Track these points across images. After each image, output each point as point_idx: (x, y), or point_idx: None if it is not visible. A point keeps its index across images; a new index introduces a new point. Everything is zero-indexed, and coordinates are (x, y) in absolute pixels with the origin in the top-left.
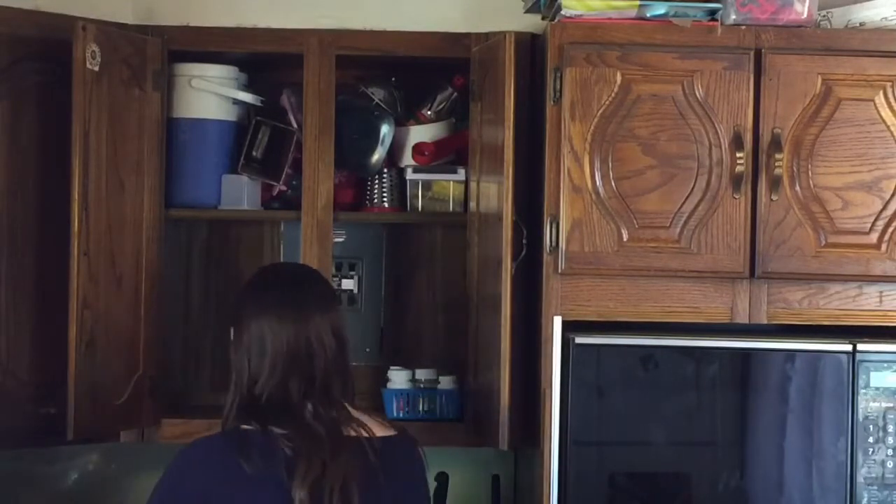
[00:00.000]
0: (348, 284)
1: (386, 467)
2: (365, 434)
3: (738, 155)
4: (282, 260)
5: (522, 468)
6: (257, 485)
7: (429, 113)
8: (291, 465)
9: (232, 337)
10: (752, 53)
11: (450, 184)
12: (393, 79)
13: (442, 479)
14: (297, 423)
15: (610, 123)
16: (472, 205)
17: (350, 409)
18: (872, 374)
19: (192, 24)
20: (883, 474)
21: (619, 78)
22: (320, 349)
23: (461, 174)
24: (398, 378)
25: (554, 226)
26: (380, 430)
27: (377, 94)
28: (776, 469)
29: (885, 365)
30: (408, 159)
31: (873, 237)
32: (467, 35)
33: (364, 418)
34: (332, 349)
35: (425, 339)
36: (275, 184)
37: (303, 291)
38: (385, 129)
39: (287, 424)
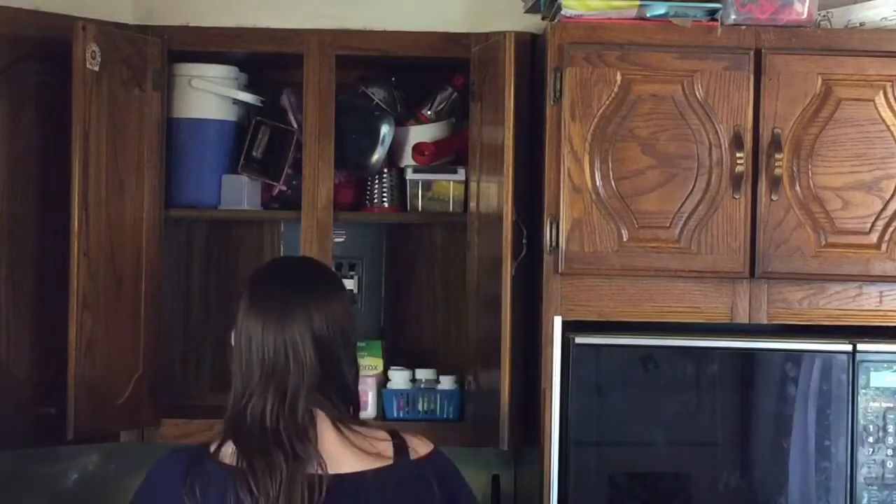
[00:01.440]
0: (348, 284)
1: None
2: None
3: (738, 155)
4: None
5: (522, 468)
6: None
7: (429, 113)
8: None
9: (231, 342)
10: (752, 53)
11: (450, 184)
12: (393, 79)
13: None
14: (265, 455)
15: (610, 123)
16: (472, 205)
17: (324, 432)
18: (872, 374)
19: (191, 24)
20: (883, 474)
21: (619, 78)
22: (296, 357)
23: (461, 174)
24: (398, 378)
25: (554, 226)
26: (348, 463)
27: (377, 94)
28: (776, 469)
29: (885, 365)
30: (408, 159)
31: (873, 237)
32: (467, 35)
33: (334, 450)
34: (311, 359)
35: (425, 339)
36: (275, 184)
37: (292, 288)
38: (385, 129)
39: (256, 452)
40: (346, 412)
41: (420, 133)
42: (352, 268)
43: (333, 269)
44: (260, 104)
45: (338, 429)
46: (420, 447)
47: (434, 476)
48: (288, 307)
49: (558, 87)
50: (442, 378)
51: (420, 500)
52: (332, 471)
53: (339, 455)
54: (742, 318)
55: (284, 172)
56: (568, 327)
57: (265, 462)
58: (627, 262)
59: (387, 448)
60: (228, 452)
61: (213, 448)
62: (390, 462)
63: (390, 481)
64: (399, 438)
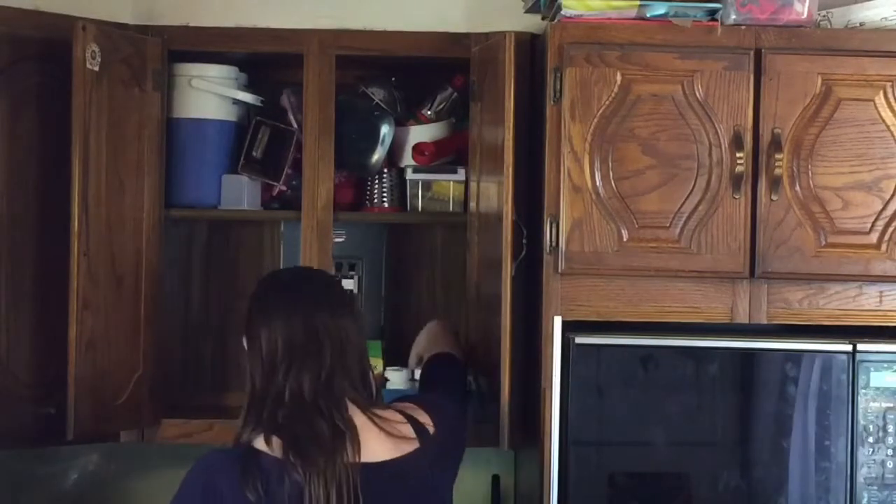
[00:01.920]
0: (348, 284)
1: (371, 498)
2: (352, 459)
3: (738, 155)
4: (281, 260)
5: (522, 468)
6: None
7: (429, 113)
8: (301, 494)
9: (245, 345)
10: (752, 53)
11: (450, 184)
12: (393, 79)
13: None
14: (310, 429)
15: (610, 123)
16: (472, 205)
17: (356, 412)
18: (872, 374)
19: (192, 24)
20: (883, 474)
21: (619, 78)
22: (327, 341)
23: (461, 174)
24: (398, 378)
25: (554, 226)
26: (381, 449)
27: (377, 94)
28: (776, 469)
29: (885, 365)
30: (408, 159)
31: (873, 237)
32: (467, 35)
33: (365, 430)
34: (339, 341)
35: None
36: (275, 184)
37: (310, 289)
38: (385, 129)
39: (301, 431)
40: (369, 398)
41: (420, 133)
42: (352, 268)
43: (333, 268)
44: (260, 104)
45: (366, 415)
46: (425, 419)
47: (445, 437)
48: (313, 299)
49: (558, 87)
50: None
51: (450, 467)
52: (369, 459)
53: (371, 440)
54: (742, 318)
55: (284, 172)
56: (568, 327)
57: (310, 432)
58: (627, 262)
59: (409, 430)
60: (276, 445)
61: (258, 445)
62: (417, 445)
63: (424, 464)
64: (412, 419)
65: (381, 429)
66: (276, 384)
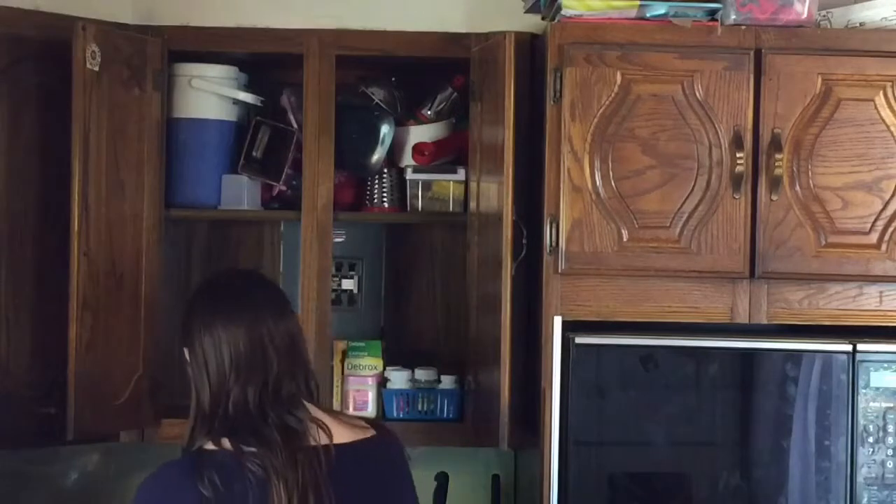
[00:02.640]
0: (348, 284)
1: (344, 477)
2: (324, 441)
3: (738, 155)
4: (281, 260)
5: (522, 468)
6: None
7: (429, 113)
8: (264, 487)
9: (188, 357)
10: (752, 53)
11: (450, 184)
12: (393, 79)
13: (442, 478)
14: (257, 435)
15: (610, 123)
16: (472, 205)
17: (311, 408)
18: (872, 374)
19: (192, 24)
20: (883, 474)
21: (619, 78)
22: (272, 348)
23: (461, 174)
24: (398, 378)
25: (554, 226)
26: (344, 434)
27: (377, 94)
28: (776, 469)
29: (885, 365)
30: (408, 159)
31: (873, 237)
32: (467, 35)
33: (327, 419)
34: (284, 346)
35: (425, 339)
36: (275, 184)
37: (250, 293)
38: (385, 129)
39: (248, 436)
40: (310, 396)
41: (420, 133)
42: (352, 268)
43: (333, 268)
44: (260, 104)
45: (322, 409)
46: (380, 424)
47: (400, 445)
48: (255, 306)
49: (558, 87)
50: (442, 378)
51: (402, 465)
52: (335, 441)
53: (332, 426)
54: (742, 318)
55: (284, 172)
56: (568, 327)
57: (259, 441)
58: (627, 261)
59: (363, 423)
60: (226, 443)
61: (209, 446)
62: (373, 433)
63: (380, 448)
64: (362, 418)
65: (339, 419)
66: (223, 397)
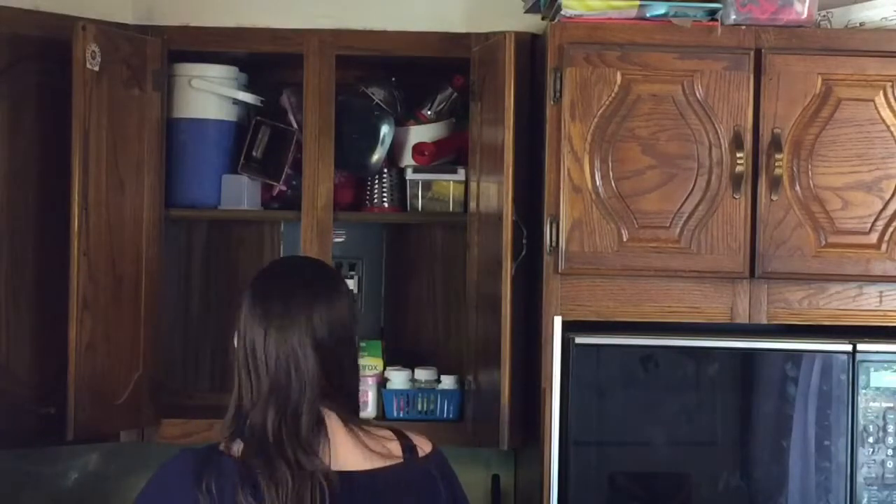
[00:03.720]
0: (348, 284)
1: None
2: (334, 468)
3: (738, 155)
4: None
5: (522, 468)
6: None
7: (429, 113)
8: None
9: (234, 342)
10: (752, 53)
11: (450, 184)
12: (393, 79)
13: None
14: (269, 466)
15: (610, 123)
16: (472, 205)
17: (336, 428)
18: (872, 374)
19: (192, 24)
20: (883, 474)
21: (619, 78)
22: (297, 371)
23: (461, 174)
24: (398, 378)
25: (554, 226)
26: (361, 462)
27: (377, 94)
28: (776, 469)
29: (885, 365)
30: (408, 159)
31: (873, 237)
32: (467, 35)
33: (348, 445)
34: (313, 370)
35: (425, 339)
36: (275, 184)
37: (292, 294)
38: (385, 129)
39: (260, 460)
40: (352, 415)
41: (420, 133)
42: (352, 268)
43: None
44: (260, 104)
45: (349, 428)
46: (424, 445)
47: (438, 472)
48: (289, 312)
49: (558, 87)
50: (442, 378)
51: (429, 497)
52: (340, 468)
53: (349, 454)
54: (742, 318)
55: (284, 172)
56: (568, 327)
57: (269, 472)
58: (627, 262)
59: (396, 448)
60: (239, 449)
61: (222, 446)
62: (401, 461)
63: (402, 479)
64: (405, 438)
65: (360, 440)
66: (248, 403)
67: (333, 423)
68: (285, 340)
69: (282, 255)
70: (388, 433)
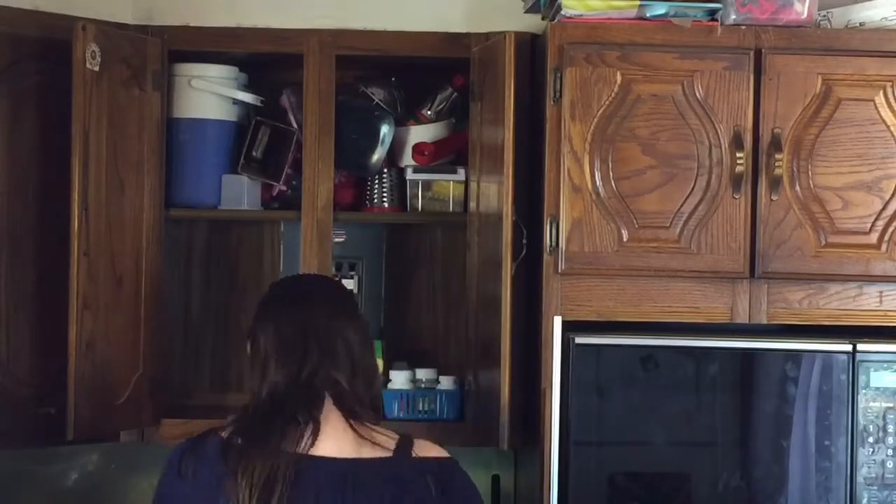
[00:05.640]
0: (348, 284)
1: (324, 492)
2: (309, 451)
3: (738, 155)
4: (281, 260)
5: (522, 468)
6: (190, 495)
7: (429, 113)
8: (228, 479)
9: (248, 350)
10: (752, 53)
11: (450, 184)
12: (393, 79)
13: None
14: (248, 442)
15: (610, 123)
16: (472, 205)
17: (334, 415)
18: (872, 374)
19: (192, 24)
20: (883, 474)
21: (619, 78)
22: (314, 340)
23: (461, 174)
24: (398, 378)
25: (554, 226)
26: (348, 449)
27: (377, 94)
28: (776, 469)
29: (885, 365)
30: (408, 159)
31: (873, 237)
32: (467, 35)
33: (338, 430)
34: (329, 343)
35: (425, 339)
36: (275, 184)
37: (309, 294)
38: (385, 129)
39: (242, 438)
40: (365, 409)
41: (420, 133)
42: (352, 268)
43: (333, 268)
44: (260, 104)
45: (345, 418)
46: (427, 450)
47: (436, 480)
48: (311, 302)
49: (558, 87)
50: (442, 378)
51: (413, 495)
52: (327, 454)
53: (333, 437)
54: (742, 318)
55: (284, 172)
56: (568, 327)
57: (245, 451)
58: (627, 262)
59: (389, 443)
60: (225, 431)
61: (214, 428)
62: (389, 454)
63: (385, 471)
64: (406, 438)
65: (354, 431)
66: (264, 386)
67: (331, 411)
68: (305, 320)
69: (282, 255)
70: (391, 432)
